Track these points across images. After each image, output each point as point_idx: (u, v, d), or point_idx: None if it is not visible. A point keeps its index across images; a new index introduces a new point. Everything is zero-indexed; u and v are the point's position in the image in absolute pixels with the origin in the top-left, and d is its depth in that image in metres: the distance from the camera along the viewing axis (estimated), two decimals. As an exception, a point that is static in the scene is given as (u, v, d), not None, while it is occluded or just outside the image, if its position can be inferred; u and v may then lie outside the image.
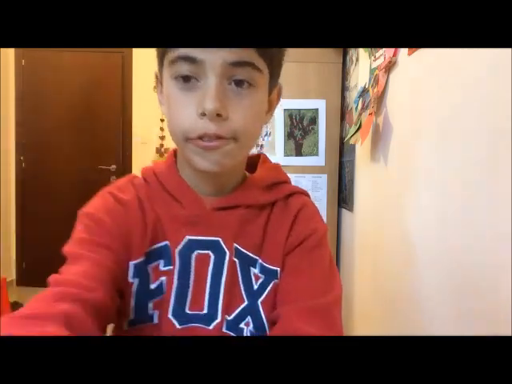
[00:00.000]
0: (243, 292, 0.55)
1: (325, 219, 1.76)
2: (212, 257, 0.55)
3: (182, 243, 0.55)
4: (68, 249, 0.54)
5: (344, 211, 1.74)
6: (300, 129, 1.78)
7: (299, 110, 1.77)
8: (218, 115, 0.47)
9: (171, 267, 0.54)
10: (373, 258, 1.32)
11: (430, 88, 0.86)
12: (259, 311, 0.55)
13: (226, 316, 0.54)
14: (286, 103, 1.76)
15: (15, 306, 2.92)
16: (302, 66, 1.75)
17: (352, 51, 1.65)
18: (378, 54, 1.24)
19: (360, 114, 1.35)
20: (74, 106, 3.49)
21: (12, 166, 3.53)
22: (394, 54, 1.07)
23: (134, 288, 0.54)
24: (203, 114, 0.47)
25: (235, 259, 0.55)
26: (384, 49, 1.16)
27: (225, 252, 0.55)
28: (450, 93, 0.77)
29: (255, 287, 0.56)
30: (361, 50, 1.49)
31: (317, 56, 1.74)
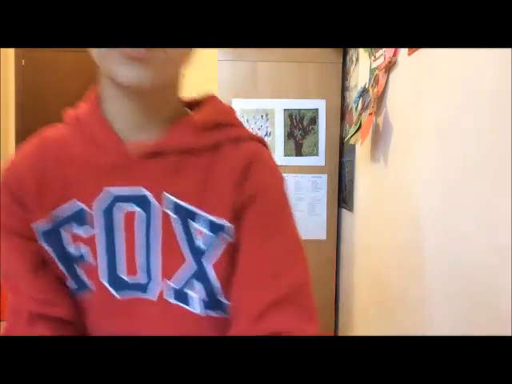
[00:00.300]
0: (183, 250, 0.48)
1: (325, 219, 1.77)
2: (140, 212, 0.48)
3: (104, 199, 0.48)
4: None
5: (344, 211, 1.74)
6: (300, 129, 1.78)
7: (299, 109, 1.77)
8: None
9: (89, 227, 0.48)
10: (373, 257, 1.32)
11: (430, 88, 0.86)
12: (208, 275, 0.48)
13: (169, 282, 0.48)
14: (286, 103, 1.76)
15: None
16: (301, 66, 1.75)
17: (352, 51, 1.65)
18: (378, 54, 1.24)
19: (360, 114, 1.35)
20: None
21: (12, 165, 3.52)
22: (394, 54, 1.07)
23: (52, 253, 0.49)
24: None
25: (169, 212, 0.48)
26: (384, 49, 1.16)
27: (154, 205, 0.48)
28: (450, 93, 0.77)
29: (198, 244, 0.48)
30: (361, 50, 1.49)
31: (317, 56, 1.74)
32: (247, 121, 1.75)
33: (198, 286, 0.48)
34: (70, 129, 0.52)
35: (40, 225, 0.49)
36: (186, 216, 0.48)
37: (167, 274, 0.48)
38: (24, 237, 0.49)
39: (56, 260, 0.50)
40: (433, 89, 0.85)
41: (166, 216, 0.48)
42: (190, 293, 0.49)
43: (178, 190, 0.48)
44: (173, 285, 0.48)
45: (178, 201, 0.48)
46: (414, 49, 0.94)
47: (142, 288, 0.49)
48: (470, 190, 0.69)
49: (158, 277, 0.48)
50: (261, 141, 0.54)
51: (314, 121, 1.77)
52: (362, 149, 1.43)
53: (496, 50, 0.61)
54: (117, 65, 0.42)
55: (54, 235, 0.49)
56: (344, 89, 1.78)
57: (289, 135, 1.78)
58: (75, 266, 0.50)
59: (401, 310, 1.03)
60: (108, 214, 0.48)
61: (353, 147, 1.57)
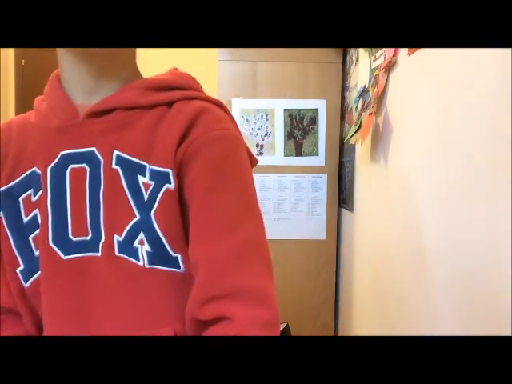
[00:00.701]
0: (132, 204, 0.48)
1: (325, 219, 1.77)
2: (88, 169, 0.48)
3: (55, 160, 0.49)
4: None
5: (344, 211, 1.74)
6: (300, 129, 1.78)
7: (299, 109, 1.77)
8: None
9: (42, 192, 0.49)
10: (373, 257, 1.32)
11: (430, 88, 0.86)
12: (152, 225, 0.47)
13: (117, 236, 0.48)
14: (286, 103, 1.76)
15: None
16: (301, 66, 1.75)
17: (352, 51, 1.65)
18: (378, 54, 1.24)
19: (360, 114, 1.35)
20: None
21: (12, 166, 3.52)
22: (394, 54, 1.07)
23: (6, 226, 0.50)
24: None
25: (116, 167, 0.48)
26: (384, 49, 1.16)
27: (99, 161, 0.48)
28: (450, 93, 0.77)
29: (146, 198, 0.48)
30: (361, 50, 1.49)
31: (317, 56, 1.74)
32: (247, 121, 1.75)
33: (141, 236, 0.48)
34: (36, 106, 0.55)
35: None
36: (133, 170, 0.48)
37: (115, 229, 0.48)
38: None
39: (8, 232, 0.50)
40: (433, 89, 0.85)
41: (114, 172, 0.48)
42: (135, 244, 0.48)
43: (125, 146, 0.48)
44: (119, 238, 0.48)
45: (126, 155, 0.48)
46: (413, 49, 0.94)
47: (89, 246, 0.49)
48: (470, 190, 0.69)
49: (104, 232, 0.48)
50: (219, 104, 0.53)
51: (314, 121, 1.77)
52: (362, 149, 1.43)
53: (496, 49, 0.61)
54: None
55: (9, 202, 0.50)
56: (344, 89, 1.78)
57: (289, 135, 1.78)
58: (28, 238, 0.50)
59: (401, 310, 1.03)
60: (55, 172, 0.49)
61: (353, 147, 1.57)
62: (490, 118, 0.64)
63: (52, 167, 0.49)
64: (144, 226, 0.47)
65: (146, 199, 0.48)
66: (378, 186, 1.25)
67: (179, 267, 0.49)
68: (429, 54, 0.87)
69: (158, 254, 0.48)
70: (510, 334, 0.56)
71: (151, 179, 0.48)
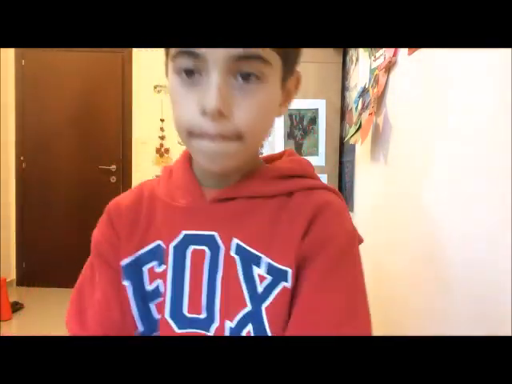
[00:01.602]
0: (246, 294, 0.49)
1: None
2: (207, 253, 0.50)
3: (177, 239, 0.51)
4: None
5: (344, 211, 1.74)
6: (300, 129, 1.78)
7: (299, 109, 1.77)
8: (220, 114, 0.44)
9: (165, 266, 0.52)
10: (373, 257, 1.32)
11: (430, 88, 0.86)
12: (262, 318, 0.48)
13: (228, 322, 0.49)
14: (286, 103, 1.76)
15: (15, 305, 2.92)
16: (301, 66, 1.74)
17: (352, 51, 1.65)
18: (378, 54, 1.24)
19: (360, 114, 1.35)
20: (74, 106, 3.49)
21: (12, 165, 3.53)
22: (394, 54, 1.07)
23: (130, 291, 0.52)
24: (205, 113, 0.44)
25: (234, 255, 0.50)
26: (384, 49, 1.16)
27: (219, 247, 0.50)
28: (450, 93, 0.77)
29: (259, 290, 0.49)
30: (361, 50, 1.49)
31: (317, 56, 1.74)
32: (247, 121, 1.75)
33: (249, 327, 0.49)
34: (163, 179, 0.58)
35: (125, 261, 0.53)
36: (250, 261, 0.49)
37: (228, 315, 0.49)
38: (112, 268, 0.53)
39: (132, 299, 0.52)
40: (433, 89, 0.85)
41: (232, 259, 0.50)
42: (242, 333, 0.49)
43: (244, 235, 0.50)
44: (231, 325, 0.49)
45: (244, 245, 0.50)
46: (413, 49, 0.94)
47: (202, 324, 0.50)
48: (470, 190, 0.69)
49: (218, 316, 0.50)
50: (334, 191, 0.55)
51: (314, 121, 1.77)
52: (362, 149, 1.43)
53: (496, 50, 0.61)
54: (196, 152, 0.48)
55: (135, 270, 0.53)
56: (344, 89, 1.78)
57: (289, 135, 1.78)
58: (149, 304, 0.52)
59: (401, 310, 1.03)
60: (177, 251, 0.51)
61: (353, 147, 1.57)
62: (490, 118, 0.64)
63: (175, 245, 0.51)
64: (253, 317, 0.48)
65: (259, 291, 0.49)
66: (377, 185, 1.25)
67: None
68: (429, 54, 0.87)
69: None
70: (510, 334, 0.56)
71: (268, 273, 0.49)
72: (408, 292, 0.97)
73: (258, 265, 0.49)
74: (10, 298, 2.87)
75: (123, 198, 0.58)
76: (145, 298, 0.52)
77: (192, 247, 0.51)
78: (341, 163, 1.79)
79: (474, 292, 0.67)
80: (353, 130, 1.40)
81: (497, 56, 0.61)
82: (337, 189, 1.82)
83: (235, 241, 0.50)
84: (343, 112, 1.78)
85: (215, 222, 0.51)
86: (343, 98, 1.78)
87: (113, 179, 3.54)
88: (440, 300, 0.79)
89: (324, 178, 1.77)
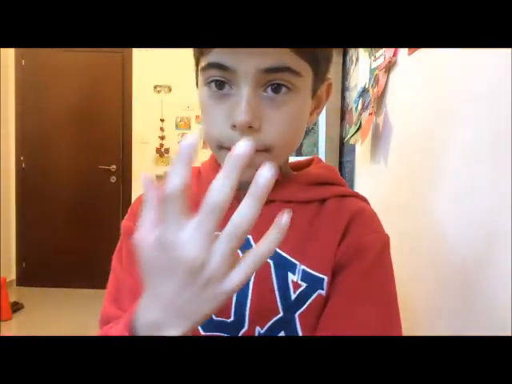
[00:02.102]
0: (278, 301, 0.48)
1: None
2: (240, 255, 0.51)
3: None
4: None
5: (344, 211, 1.74)
6: (300, 129, 1.78)
7: (299, 110, 1.77)
8: (250, 128, 0.44)
9: None
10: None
11: (430, 88, 0.86)
12: (295, 325, 0.47)
13: (258, 328, 0.48)
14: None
15: (15, 305, 2.93)
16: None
17: (352, 51, 1.65)
18: (378, 54, 1.24)
19: (360, 114, 1.35)
20: (74, 106, 3.49)
21: (12, 165, 3.53)
22: (394, 54, 1.07)
23: None
24: (234, 126, 0.44)
25: (268, 260, 0.48)
26: (384, 49, 1.16)
27: None
28: (450, 92, 0.77)
29: (293, 297, 0.48)
30: (361, 50, 1.49)
31: (317, 56, 1.74)
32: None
33: (282, 333, 0.48)
34: (194, 181, 0.56)
35: None
36: (284, 267, 0.48)
37: (259, 321, 0.48)
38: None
39: None
40: (433, 89, 0.85)
41: (267, 265, 0.48)
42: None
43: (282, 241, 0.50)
44: (260, 330, 0.48)
45: (280, 251, 0.49)
46: (413, 49, 0.94)
47: (229, 328, 0.49)
48: (470, 190, 0.69)
49: (247, 321, 0.49)
50: (364, 198, 0.56)
51: (313, 121, 1.77)
52: (362, 149, 1.43)
53: (496, 49, 0.61)
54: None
55: None
56: (344, 89, 1.78)
57: (289, 135, 1.78)
58: None
59: (401, 310, 1.03)
60: None
61: (353, 147, 1.57)
62: (489, 118, 0.64)
63: None
64: (286, 325, 0.48)
65: (292, 298, 0.48)
66: (378, 186, 1.25)
67: None
68: (429, 54, 0.87)
69: None
70: (510, 334, 0.56)
71: (303, 280, 0.48)
72: (408, 291, 0.97)
73: (293, 271, 0.48)
74: (10, 298, 2.87)
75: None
76: None
77: None
78: (341, 163, 1.79)
79: (473, 292, 0.67)
80: (353, 129, 1.40)
81: (497, 56, 0.61)
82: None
83: None
84: (343, 112, 1.78)
85: None
86: (343, 98, 1.78)
87: (113, 179, 3.54)
88: (440, 299, 0.79)
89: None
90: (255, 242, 0.49)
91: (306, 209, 0.51)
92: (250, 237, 0.50)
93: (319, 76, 0.49)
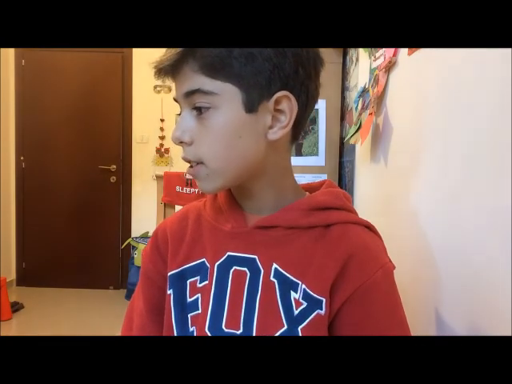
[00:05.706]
0: (282, 316, 0.52)
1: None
2: (248, 274, 0.55)
3: (222, 259, 0.56)
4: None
5: (344, 211, 1.74)
6: (300, 129, 1.77)
7: (299, 110, 1.77)
8: (181, 142, 0.52)
9: (207, 282, 0.56)
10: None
11: (430, 88, 0.86)
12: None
13: None
14: (286, 103, 1.76)
15: (15, 305, 2.93)
16: (302, 66, 1.75)
17: (352, 51, 1.65)
18: (378, 54, 1.24)
19: (360, 114, 1.35)
20: (74, 106, 3.49)
21: (12, 165, 3.53)
22: (394, 54, 1.07)
23: (173, 300, 0.57)
24: None
25: (273, 279, 0.54)
26: (384, 49, 1.16)
27: (260, 270, 0.54)
28: (450, 92, 0.77)
29: (295, 313, 0.52)
30: (361, 50, 1.49)
31: (317, 56, 1.74)
32: (247, 121, 1.75)
33: None
34: (209, 201, 0.63)
35: (172, 272, 0.59)
36: (287, 286, 0.53)
37: (264, 333, 0.52)
38: (155, 285, 0.61)
39: (173, 308, 0.58)
40: (433, 89, 0.85)
41: (271, 284, 0.53)
42: None
43: (283, 261, 0.54)
44: None
45: (283, 271, 0.53)
46: (414, 49, 0.94)
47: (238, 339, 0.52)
48: (470, 190, 0.69)
49: (254, 333, 0.52)
50: (369, 226, 0.60)
51: (313, 121, 1.77)
52: (362, 149, 1.43)
53: (496, 49, 0.61)
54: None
55: (179, 282, 0.58)
56: (344, 89, 1.78)
57: (289, 135, 1.77)
58: (188, 315, 0.57)
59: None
60: (221, 269, 0.56)
61: (353, 147, 1.57)
62: (490, 118, 0.64)
63: (219, 264, 0.56)
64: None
65: (295, 314, 0.52)
66: (378, 186, 1.25)
67: None
68: (429, 54, 0.87)
69: None
70: (510, 334, 0.56)
71: (303, 299, 0.52)
72: (407, 291, 0.97)
73: (296, 290, 0.53)
74: (10, 298, 2.87)
75: (169, 221, 0.64)
76: (184, 308, 0.57)
77: (234, 267, 0.55)
78: (341, 163, 1.79)
79: (473, 292, 0.67)
80: (353, 129, 1.40)
81: (497, 56, 0.61)
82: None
83: (275, 266, 0.54)
84: (343, 112, 1.78)
85: (256, 247, 0.55)
86: (343, 98, 1.78)
87: (113, 179, 3.54)
88: (439, 299, 0.79)
89: (324, 178, 1.77)
90: (261, 264, 0.54)
91: (309, 233, 0.55)
92: (256, 257, 0.54)
93: (254, 90, 0.49)
